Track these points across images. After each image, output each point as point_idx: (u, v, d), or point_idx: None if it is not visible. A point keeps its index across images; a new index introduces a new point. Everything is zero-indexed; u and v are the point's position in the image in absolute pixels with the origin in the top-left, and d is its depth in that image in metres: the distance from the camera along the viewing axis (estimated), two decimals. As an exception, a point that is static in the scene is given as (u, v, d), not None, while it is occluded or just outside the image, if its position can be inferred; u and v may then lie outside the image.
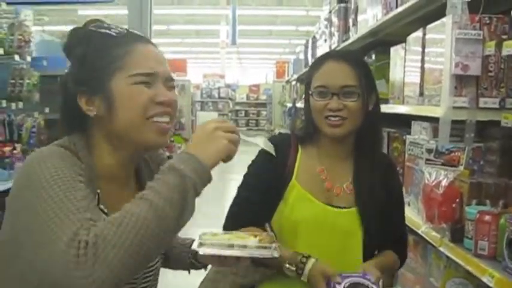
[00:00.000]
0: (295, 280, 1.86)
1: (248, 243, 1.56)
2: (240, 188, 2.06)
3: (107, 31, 1.54)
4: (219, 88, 22.03)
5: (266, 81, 29.84)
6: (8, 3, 5.53)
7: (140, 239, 1.23)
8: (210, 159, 1.38)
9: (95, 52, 1.51)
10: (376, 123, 2.06)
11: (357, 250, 1.95)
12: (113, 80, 1.48)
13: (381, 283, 1.79)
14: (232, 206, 2.05)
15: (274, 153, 1.78)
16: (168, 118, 1.52)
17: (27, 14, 5.58)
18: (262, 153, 2.05)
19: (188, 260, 1.82)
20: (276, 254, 1.53)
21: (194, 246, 1.56)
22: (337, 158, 2.02)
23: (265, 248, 1.55)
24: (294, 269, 1.83)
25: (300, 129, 2.10)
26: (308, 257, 1.83)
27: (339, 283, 1.76)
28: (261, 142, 1.72)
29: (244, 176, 2.07)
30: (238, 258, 1.56)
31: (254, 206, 1.98)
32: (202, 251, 1.52)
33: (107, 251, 1.20)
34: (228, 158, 1.42)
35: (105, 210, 1.48)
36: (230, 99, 23.52)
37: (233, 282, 1.95)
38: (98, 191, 1.48)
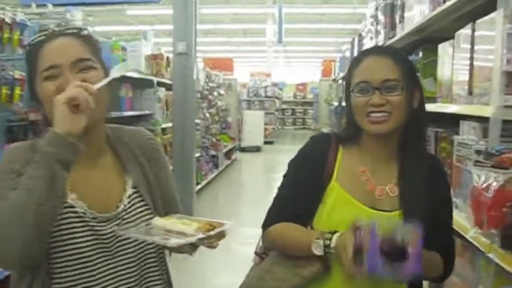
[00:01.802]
0: (336, 283, 1.79)
1: (186, 230, 1.59)
2: (279, 188, 2.01)
3: (32, 41, 1.68)
4: (265, 87, 21.99)
5: (313, 80, 29.77)
6: (55, 5, 5.61)
7: (19, 214, 1.43)
8: (60, 126, 1.48)
9: (27, 66, 1.69)
10: (422, 122, 1.95)
11: None
12: (37, 85, 1.64)
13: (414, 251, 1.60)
14: (270, 208, 2.00)
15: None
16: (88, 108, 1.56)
17: (75, 14, 5.65)
18: (301, 152, 2.00)
19: None
20: (172, 244, 1.54)
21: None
22: (380, 158, 1.93)
23: (182, 235, 1.58)
24: (321, 242, 1.74)
25: (342, 130, 2.02)
26: (335, 232, 1.76)
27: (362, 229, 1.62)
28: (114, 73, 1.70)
29: (284, 176, 2.02)
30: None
31: (293, 206, 1.92)
32: (117, 231, 1.64)
33: None
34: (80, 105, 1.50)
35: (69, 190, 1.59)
36: (277, 98, 23.50)
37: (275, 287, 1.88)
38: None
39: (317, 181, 1.90)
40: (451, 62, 3.06)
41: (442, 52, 3.30)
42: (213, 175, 12.13)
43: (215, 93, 13.32)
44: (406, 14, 4.24)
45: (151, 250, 1.76)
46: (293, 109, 28.54)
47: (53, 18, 5.20)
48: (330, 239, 1.74)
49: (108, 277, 1.65)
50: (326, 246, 1.74)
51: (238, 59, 27.56)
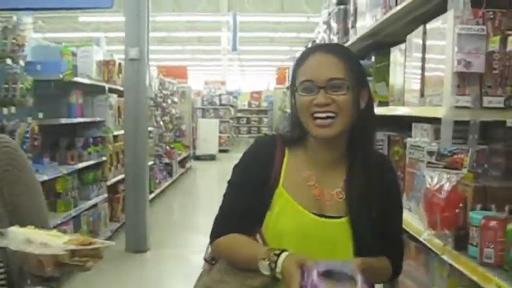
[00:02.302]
0: None
1: (52, 242, 1.42)
2: (224, 196, 1.93)
3: None
4: (220, 95, 21.94)
5: (268, 88, 29.86)
6: (1, 9, 5.46)
7: None
8: None
9: None
10: (370, 123, 1.87)
11: None
12: None
13: (360, 276, 1.56)
14: (216, 218, 1.92)
15: None
16: None
17: (23, 19, 5.51)
18: (245, 156, 1.93)
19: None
20: (29, 250, 1.39)
21: None
22: (328, 161, 1.85)
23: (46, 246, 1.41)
24: (267, 263, 1.66)
25: (287, 132, 1.92)
26: (282, 251, 1.67)
27: (313, 269, 1.56)
28: None
29: (228, 182, 1.93)
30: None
31: (238, 215, 1.85)
32: None
33: None
34: None
35: None
36: (232, 106, 23.45)
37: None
38: None
39: (263, 187, 1.82)
40: (403, 65, 3.07)
41: (394, 56, 3.31)
42: (167, 183, 12.01)
43: (169, 101, 13.20)
44: (358, 19, 4.25)
45: None
46: (248, 117, 28.52)
47: (-1, 22, 5.07)
48: (275, 262, 1.65)
49: None
50: (272, 269, 1.66)
51: (192, 67, 27.48)
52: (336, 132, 1.76)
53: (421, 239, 2.45)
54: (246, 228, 1.82)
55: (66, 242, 1.42)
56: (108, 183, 7.49)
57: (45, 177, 5.29)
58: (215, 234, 1.88)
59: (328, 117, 1.74)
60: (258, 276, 1.73)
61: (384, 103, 3.48)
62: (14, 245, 1.41)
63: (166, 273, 6.37)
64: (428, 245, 2.40)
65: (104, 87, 7.31)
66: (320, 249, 1.76)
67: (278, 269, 1.64)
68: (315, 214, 1.80)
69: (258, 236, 1.82)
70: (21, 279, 1.63)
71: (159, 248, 7.12)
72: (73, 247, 1.40)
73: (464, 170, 2.17)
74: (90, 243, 1.43)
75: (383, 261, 1.84)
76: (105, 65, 7.54)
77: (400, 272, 2.01)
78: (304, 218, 1.79)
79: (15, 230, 1.45)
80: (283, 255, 1.65)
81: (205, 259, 1.98)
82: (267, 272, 1.67)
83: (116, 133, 7.68)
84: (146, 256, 7.03)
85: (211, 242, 1.91)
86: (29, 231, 1.45)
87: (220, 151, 19.90)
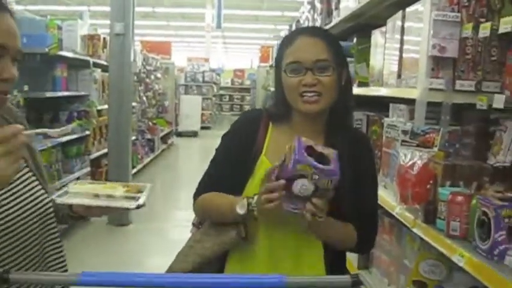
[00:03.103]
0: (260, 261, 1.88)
1: (115, 193, 1.59)
2: (211, 161, 2.07)
3: None
4: (203, 72, 21.84)
5: (251, 66, 29.81)
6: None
7: None
8: None
9: None
10: (348, 99, 2.02)
11: None
12: None
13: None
14: (201, 180, 2.06)
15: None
16: (5, 94, 1.54)
17: (7, -10, 5.50)
18: (233, 127, 2.06)
19: (65, 211, 1.77)
20: (132, 206, 1.55)
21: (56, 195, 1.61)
22: (309, 135, 1.92)
23: (129, 198, 1.58)
24: (245, 201, 1.82)
25: (271, 107, 2.06)
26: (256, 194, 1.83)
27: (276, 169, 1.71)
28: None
29: (216, 150, 2.07)
30: (106, 207, 1.60)
31: (221, 179, 1.98)
32: (59, 200, 1.57)
33: None
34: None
35: None
36: (215, 83, 23.39)
37: (200, 254, 1.95)
38: None
39: (247, 155, 1.95)
40: (383, 47, 3.17)
41: (375, 38, 3.41)
42: (149, 159, 12.05)
43: (152, 77, 13.17)
44: (342, 0, 4.33)
45: (51, 221, 1.70)
46: (230, 95, 28.50)
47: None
48: (253, 198, 1.82)
49: (7, 248, 1.57)
50: (249, 204, 1.81)
51: (176, 43, 27.28)
52: (321, 108, 1.90)
53: (393, 213, 2.58)
54: (227, 192, 1.95)
55: (126, 191, 1.59)
56: (92, 157, 7.54)
57: (30, 150, 5.31)
58: (198, 194, 2.03)
59: (314, 95, 1.87)
60: (226, 233, 1.89)
61: (364, 84, 3.59)
62: (82, 200, 1.57)
63: (147, 246, 6.48)
64: (400, 219, 2.52)
65: (88, 62, 7.32)
66: (296, 216, 1.87)
67: (254, 203, 1.80)
68: None
69: None
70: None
71: (141, 222, 7.20)
72: (141, 202, 1.57)
73: (435, 149, 2.30)
74: (139, 189, 1.64)
75: (348, 227, 1.94)
76: (90, 40, 7.54)
77: (372, 245, 2.12)
78: None
79: (76, 187, 1.62)
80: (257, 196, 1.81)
81: (193, 223, 2.12)
82: (243, 210, 1.82)
83: (99, 108, 7.70)
84: (128, 229, 7.12)
85: (193, 202, 2.05)
86: (89, 186, 1.62)
87: (203, 128, 19.89)
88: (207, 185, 2.03)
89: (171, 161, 13.94)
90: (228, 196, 1.93)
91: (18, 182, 1.61)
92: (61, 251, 1.75)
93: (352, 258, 3.40)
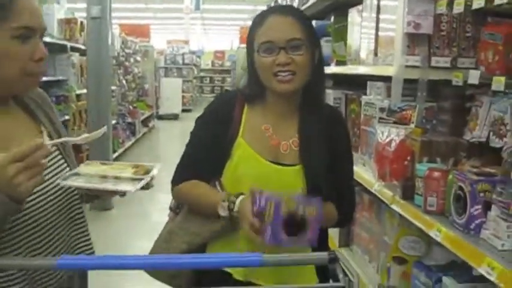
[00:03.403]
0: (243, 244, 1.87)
1: (122, 174, 1.59)
2: (187, 145, 2.06)
3: None
4: (183, 54, 21.73)
5: (231, 48, 29.66)
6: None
7: None
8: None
9: None
10: (321, 78, 2.01)
11: None
12: None
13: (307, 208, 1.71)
14: (178, 164, 2.05)
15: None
16: (41, 74, 1.58)
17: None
18: (207, 110, 2.05)
19: (82, 191, 1.77)
20: (135, 187, 1.54)
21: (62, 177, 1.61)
22: (283, 114, 1.98)
23: (136, 180, 1.57)
24: (226, 204, 1.81)
25: (245, 88, 2.04)
26: (240, 194, 1.82)
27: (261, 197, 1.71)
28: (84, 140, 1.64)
29: (190, 133, 2.06)
30: (111, 191, 1.60)
31: (199, 163, 1.98)
32: (62, 183, 1.57)
33: None
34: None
35: None
36: (195, 65, 23.28)
37: (187, 242, 1.95)
38: None
39: (224, 138, 1.94)
40: (360, 25, 3.18)
41: (352, 17, 3.41)
42: (130, 143, 12.02)
43: (131, 60, 13.10)
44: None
45: (77, 204, 1.74)
46: (211, 77, 28.36)
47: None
48: (234, 202, 1.81)
49: (35, 235, 1.59)
50: (230, 210, 1.81)
51: (155, 26, 27.04)
52: (295, 87, 1.89)
53: (372, 190, 2.60)
54: (204, 176, 1.96)
55: (134, 173, 1.59)
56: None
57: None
58: (176, 181, 2.03)
59: (288, 74, 1.86)
60: (216, 221, 1.88)
61: (342, 62, 3.60)
62: (91, 182, 1.57)
63: (130, 229, 6.50)
64: (378, 195, 2.55)
65: (66, 46, 7.25)
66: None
67: (236, 208, 1.79)
68: (272, 162, 1.93)
69: (216, 183, 1.95)
70: None
71: (123, 206, 7.19)
72: (143, 183, 1.56)
73: (412, 125, 2.32)
74: (148, 169, 1.64)
75: (329, 205, 1.96)
76: (67, 23, 7.47)
77: (350, 219, 2.16)
78: (262, 166, 1.92)
79: (86, 168, 1.63)
80: (241, 197, 1.81)
81: (170, 208, 2.11)
82: (225, 214, 1.82)
83: (78, 92, 7.65)
84: (111, 213, 7.14)
85: (172, 188, 2.04)
86: (99, 168, 1.63)
87: (184, 111, 19.82)
88: (185, 170, 2.02)
89: (152, 144, 13.92)
90: (209, 190, 1.93)
91: (49, 164, 1.62)
92: (87, 234, 1.78)
93: (333, 235, 3.43)
